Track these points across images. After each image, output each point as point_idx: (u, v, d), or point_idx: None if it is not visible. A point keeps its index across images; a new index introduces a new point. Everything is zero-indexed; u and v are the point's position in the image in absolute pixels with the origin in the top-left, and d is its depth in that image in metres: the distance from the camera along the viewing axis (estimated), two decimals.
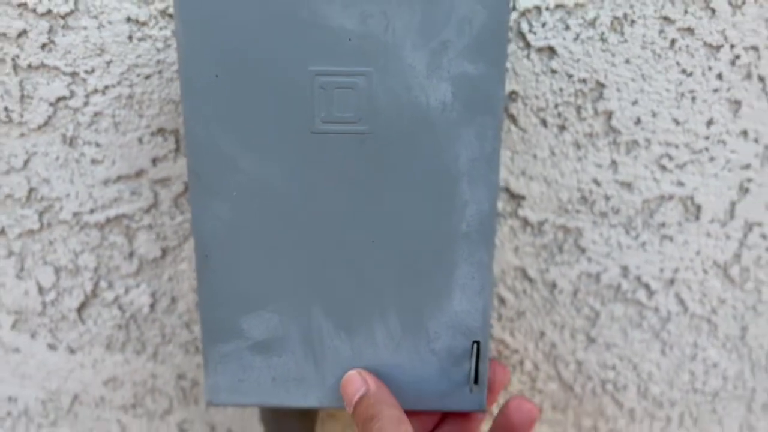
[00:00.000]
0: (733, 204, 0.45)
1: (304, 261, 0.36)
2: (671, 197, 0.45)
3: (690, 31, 0.41)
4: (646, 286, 0.47)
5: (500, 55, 0.33)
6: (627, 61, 0.42)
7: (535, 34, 0.41)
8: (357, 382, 0.35)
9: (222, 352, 0.38)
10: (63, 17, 0.40)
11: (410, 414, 0.35)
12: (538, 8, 0.41)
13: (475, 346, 0.37)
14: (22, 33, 0.40)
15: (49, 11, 0.40)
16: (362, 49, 0.33)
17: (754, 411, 0.52)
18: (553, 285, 0.47)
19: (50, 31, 0.40)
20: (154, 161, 0.44)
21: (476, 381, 0.37)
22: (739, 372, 0.50)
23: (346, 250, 0.36)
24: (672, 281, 0.47)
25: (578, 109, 0.43)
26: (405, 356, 0.37)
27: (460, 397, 0.37)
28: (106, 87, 0.42)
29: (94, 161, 0.44)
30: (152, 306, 0.48)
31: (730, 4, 0.40)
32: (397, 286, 0.36)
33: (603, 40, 0.41)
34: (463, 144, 0.34)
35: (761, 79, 0.42)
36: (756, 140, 0.44)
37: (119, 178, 0.44)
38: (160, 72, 0.42)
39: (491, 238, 0.36)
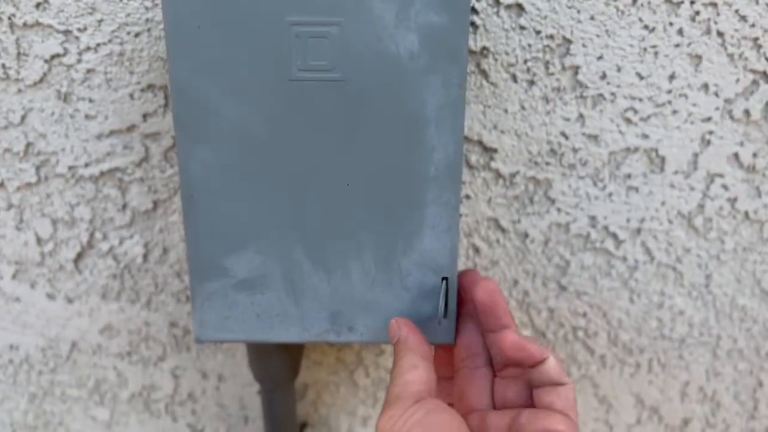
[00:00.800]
0: (695, 156, 0.47)
1: (284, 203, 0.39)
2: (636, 149, 0.47)
3: None
4: (614, 236, 0.50)
5: (464, 7, 0.36)
6: (592, 18, 0.44)
7: None
8: (393, 329, 0.38)
9: (208, 290, 0.40)
10: None
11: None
12: None
13: (444, 282, 0.39)
14: None
15: None
16: (335, 1, 0.35)
17: (720, 357, 0.54)
18: (525, 235, 0.50)
19: None
20: (145, 116, 0.46)
21: (445, 315, 0.39)
22: (704, 319, 0.53)
23: (323, 192, 0.38)
24: (638, 231, 0.50)
25: (546, 64, 0.45)
26: (379, 293, 0.40)
27: (431, 331, 0.40)
28: (98, 45, 0.44)
29: (87, 116, 0.46)
30: (145, 256, 0.50)
31: None
32: (371, 227, 0.39)
33: None
34: (430, 91, 0.37)
35: (720, 34, 0.44)
36: (716, 94, 0.46)
37: (112, 133, 0.46)
38: (148, 30, 0.44)
39: (458, 181, 0.38)
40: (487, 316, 0.37)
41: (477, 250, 0.50)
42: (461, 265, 0.50)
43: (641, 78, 0.45)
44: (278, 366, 0.47)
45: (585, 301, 0.52)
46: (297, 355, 0.48)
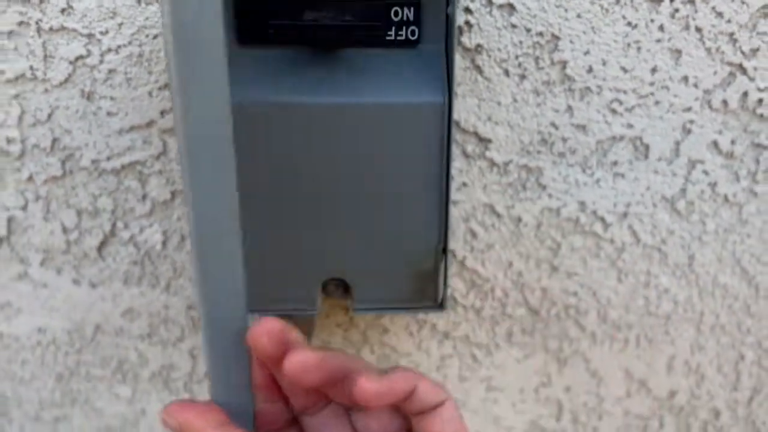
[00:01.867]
0: (677, 143, 0.51)
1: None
2: (622, 138, 0.50)
3: None
4: (602, 220, 0.53)
5: None
6: (578, 16, 0.47)
7: None
8: (168, 423, 0.32)
9: None
10: None
11: None
12: None
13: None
14: None
15: None
16: None
17: (703, 332, 0.58)
18: (519, 219, 0.53)
19: None
20: (162, 113, 0.49)
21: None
22: (688, 297, 0.56)
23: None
24: (625, 214, 0.53)
25: (536, 59, 0.48)
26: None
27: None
28: (119, 46, 0.47)
29: (109, 113, 0.49)
30: (164, 243, 0.54)
31: None
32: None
33: None
34: None
35: (698, 29, 0.47)
36: (695, 85, 0.49)
37: (132, 128, 0.50)
38: None
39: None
40: (328, 388, 0.33)
41: (474, 235, 0.53)
42: (461, 248, 0.54)
43: (625, 71, 0.48)
44: None
45: (575, 281, 0.55)
46: (308, 332, 0.52)
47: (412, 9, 0.41)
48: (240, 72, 0.41)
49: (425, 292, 0.45)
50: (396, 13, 0.41)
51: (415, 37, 0.41)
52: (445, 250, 0.44)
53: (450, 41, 0.40)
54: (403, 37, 0.42)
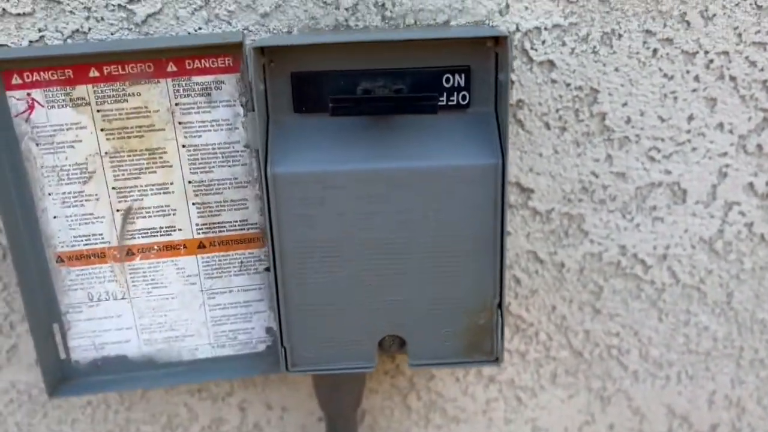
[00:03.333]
0: (714, 187, 0.52)
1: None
2: (660, 184, 0.52)
3: (669, 41, 0.48)
4: (642, 262, 0.54)
5: None
6: (616, 70, 0.48)
7: (536, 50, 0.48)
8: None
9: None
10: None
11: None
12: (538, 28, 0.47)
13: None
14: None
15: None
16: None
17: (743, 367, 0.59)
18: (562, 265, 0.54)
19: None
20: None
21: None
22: (727, 333, 0.57)
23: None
24: (665, 256, 0.54)
25: (576, 112, 0.50)
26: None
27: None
28: None
29: None
30: None
31: (703, 16, 0.47)
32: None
33: (595, 52, 0.48)
34: None
35: (732, 78, 0.49)
36: (731, 131, 0.50)
37: None
38: None
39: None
40: None
41: (518, 281, 0.55)
42: (506, 295, 0.55)
43: (662, 120, 0.50)
44: (345, 395, 0.52)
45: (618, 322, 0.56)
46: (360, 385, 0.52)
47: (463, 75, 0.42)
48: (299, 139, 0.42)
49: (481, 346, 0.46)
50: (447, 80, 0.42)
51: (466, 101, 0.43)
52: (500, 306, 0.45)
53: (502, 106, 0.42)
54: (455, 102, 0.43)
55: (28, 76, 0.43)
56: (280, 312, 0.45)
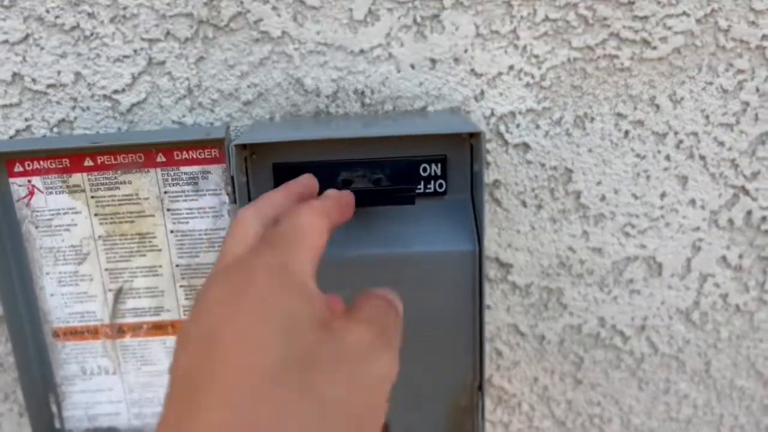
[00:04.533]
0: (688, 260, 0.53)
1: None
2: (636, 258, 0.53)
3: (640, 123, 0.49)
4: (621, 333, 0.55)
5: None
6: (590, 150, 0.50)
7: (511, 133, 0.49)
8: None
9: None
10: None
11: None
12: (512, 113, 0.49)
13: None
14: None
15: None
16: None
17: None
18: (542, 337, 0.55)
19: None
20: None
21: None
22: (707, 401, 0.58)
23: None
24: (643, 327, 0.55)
25: (551, 191, 0.51)
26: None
27: None
28: None
29: None
30: None
31: (671, 100, 0.49)
32: None
33: (568, 134, 0.49)
34: None
35: (702, 157, 0.50)
36: (702, 207, 0.52)
37: None
38: None
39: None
40: None
41: (500, 354, 0.55)
42: (487, 367, 0.55)
43: (636, 198, 0.51)
44: None
45: (599, 391, 0.57)
46: None
47: (439, 164, 0.44)
48: None
49: (462, 427, 0.46)
50: (425, 169, 0.44)
51: (443, 189, 0.44)
52: (481, 387, 0.45)
53: (478, 194, 0.43)
54: (432, 190, 0.44)
55: (29, 165, 0.44)
56: None
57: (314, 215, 0.31)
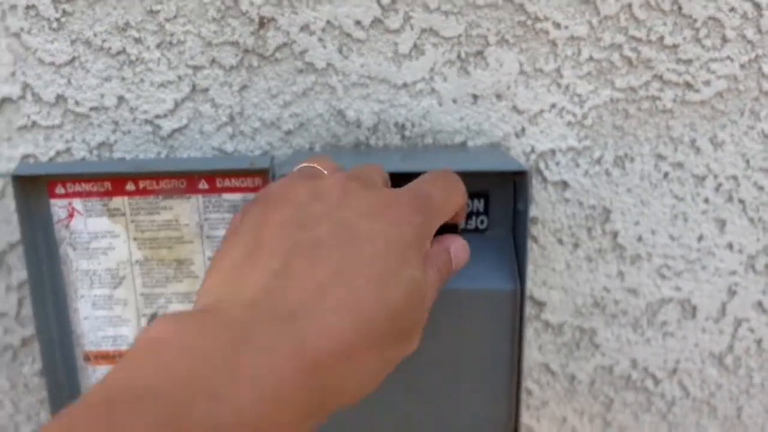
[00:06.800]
0: (723, 304, 0.53)
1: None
2: (671, 300, 0.52)
3: (680, 165, 0.49)
4: (653, 376, 0.54)
5: None
6: (629, 191, 0.50)
7: (550, 171, 0.49)
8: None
9: None
10: None
11: None
12: (552, 150, 0.49)
13: None
14: None
15: None
16: None
17: None
18: (573, 377, 0.54)
19: None
20: None
21: None
22: None
23: None
24: (675, 370, 0.54)
25: (589, 229, 0.51)
26: None
27: None
28: None
29: None
30: None
31: (712, 143, 0.49)
32: None
33: (608, 174, 0.49)
34: None
35: (741, 201, 0.50)
36: (740, 251, 0.51)
37: None
38: None
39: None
40: None
41: (530, 392, 0.55)
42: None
43: (673, 239, 0.51)
44: None
45: None
46: None
47: (482, 201, 0.43)
48: None
49: None
50: (467, 205, 0.43)
51: (485, 226, 0.44)
52: (516, 430, 0.45)
53: (521, 233, 0.43)
54: (473, 227, 0.44)
55: (70, 187, 0.44)
56: None
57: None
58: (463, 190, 0.36)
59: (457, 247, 0.35)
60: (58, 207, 0.44)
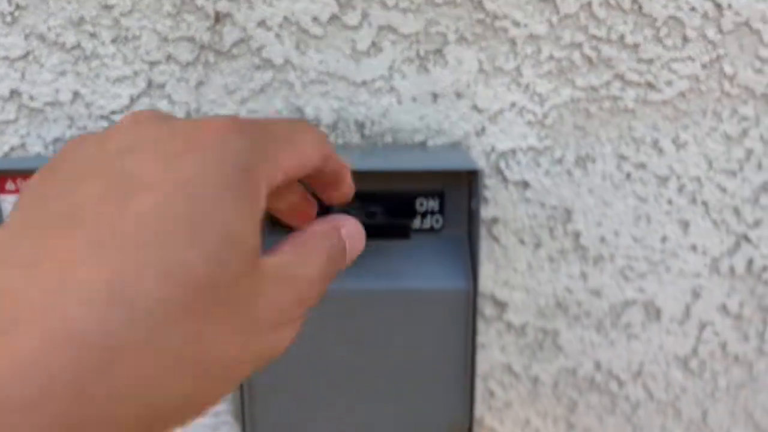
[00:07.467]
0: (688, 306, 0.52)
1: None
2: (634, 302, 0.52)
3: (643, 165, 0.49)
4: (617, 378, 0.54)
5: None
6: (590, 191, 0.49)
7: (511, 170, 0.49)
8: None
9: None
10: None
11: None
12: (513, 150, 0.48)
13: None
14: None
15: None
16: None
17: None
18: (536, 379, 0.54)
19: None
20: None
21: None
22: None
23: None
24: (639, 373, 0.54)
25: (550, 230, 0.50)
26: None
27: None
28: None
29: None
30: None
31: (675, 143, 0.48)
32: None
33: (569, 174, 0.49)
34: None
35: (704, 203, 0.50)
36: (704, 253, 0.51)
37: None
38: None
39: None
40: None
41: (492, 394, 0.54)
42: (479, 407, 0.54)
43: (636, 240, 0.50)
44: None
45: None
46: None
47: (437, 200, 0.43)
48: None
49: None
50: (421, 204, 0.43)
51: (439, 225, 0.43)
52: (470, 429, 0.44)
53: (475, 232, 0.42)
54: (428, 226, 0.43)
55: (20, 183, 0.44)
56: (245, 429, 0.44)
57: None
58: (324, 141, 0.26)
59: (351, 229, 0.27)
60: (8, 203, 0.44)
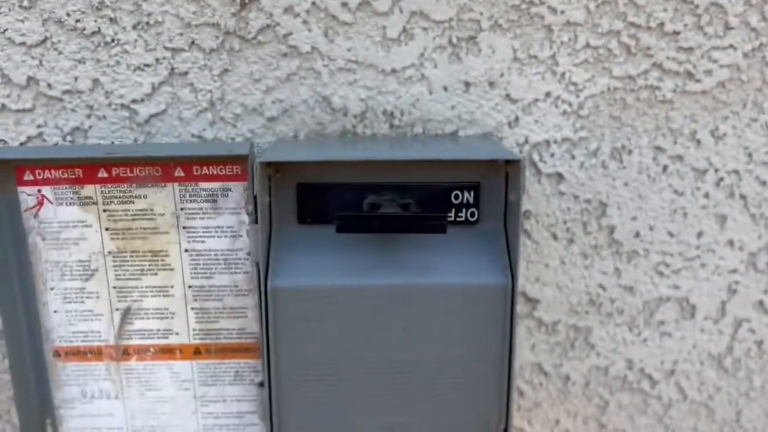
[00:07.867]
0: (723, 303, 0.51)
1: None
2: (668, 299, 0.50)
3: (680, 158, 0.47)
4: (649, 377, 0.52)
5: None
6: (626, 184, 0.48)
7: (545, 162, 0.47)
8: None
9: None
10: None
11: None
12: (547, 141, 0.47)
13: None
14: None
15: None
16: None
17: None
18: (567, 378, 0.52)
19: None
20: None
21: None
22: None
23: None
24: (672, 372, 0.52)
25: (584, 224, 0.49)
26: None
27: None
28: None
29: None
30: None
31: (713, 135, 0.47)
32: None
33: (604, 166, 0.47)
34: None
35: (743, 197, 0.48)
36: (741, 248, 0.49)
37: None
38: None
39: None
40: None
41: (521, 393, 0.52)
42: None
43: (672, 236, 0.49)
44: None
45: None
46: None
47: (472, 192, 0.41)
48: (302, 252, 0.41)
49: None
50: (456, 196, 0.41)
51: (475, 218, 0.42)
52: (506, 430, 0.42)
53: (512, 225, 0.41)
54: (463, 218, 0.42)
55: (39, 173, 0.42)
56: (273, 430, 0.43)
57: None
58: None
59: None
60: (26, 194, 0.42)
